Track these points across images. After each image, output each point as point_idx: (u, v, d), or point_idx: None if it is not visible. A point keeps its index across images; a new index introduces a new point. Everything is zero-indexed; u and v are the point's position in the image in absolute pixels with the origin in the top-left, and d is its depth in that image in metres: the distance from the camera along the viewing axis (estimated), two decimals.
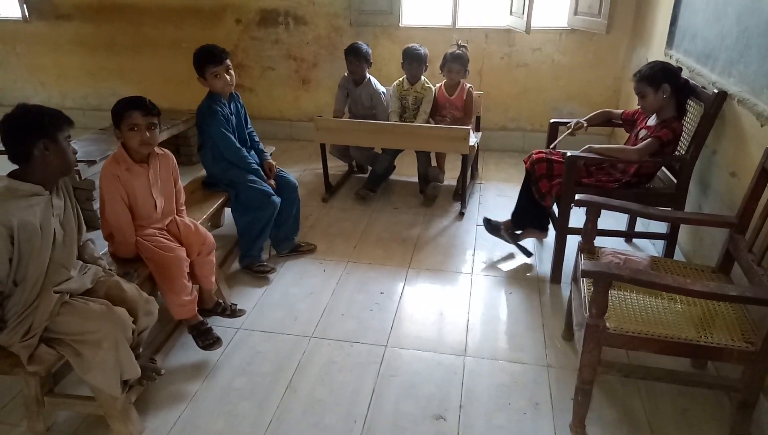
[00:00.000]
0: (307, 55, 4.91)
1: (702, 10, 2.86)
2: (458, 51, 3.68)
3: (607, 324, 1.79)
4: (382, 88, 3.90)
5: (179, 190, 2.47)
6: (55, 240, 1.77)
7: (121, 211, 2.22)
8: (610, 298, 1.78)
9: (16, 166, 1.77)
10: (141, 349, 2.08)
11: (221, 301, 2.60)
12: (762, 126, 2.09)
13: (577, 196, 2.20)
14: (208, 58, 2.76)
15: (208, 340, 2.35)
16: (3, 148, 1.72)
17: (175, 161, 2.45)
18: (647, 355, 2.14)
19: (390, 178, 4.15)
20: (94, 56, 5.27)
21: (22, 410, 2.04)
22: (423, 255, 3.19)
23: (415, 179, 3.99)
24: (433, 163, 3.97)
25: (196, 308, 2.37)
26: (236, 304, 2.65)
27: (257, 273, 2.94)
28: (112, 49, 5.20)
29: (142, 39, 5.10)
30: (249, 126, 3.11)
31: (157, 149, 2.35)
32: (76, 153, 1.83)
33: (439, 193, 3.97)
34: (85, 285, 1.88)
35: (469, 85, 3.79)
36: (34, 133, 1.69)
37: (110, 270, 2.06)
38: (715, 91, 2.42)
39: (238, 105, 3.00)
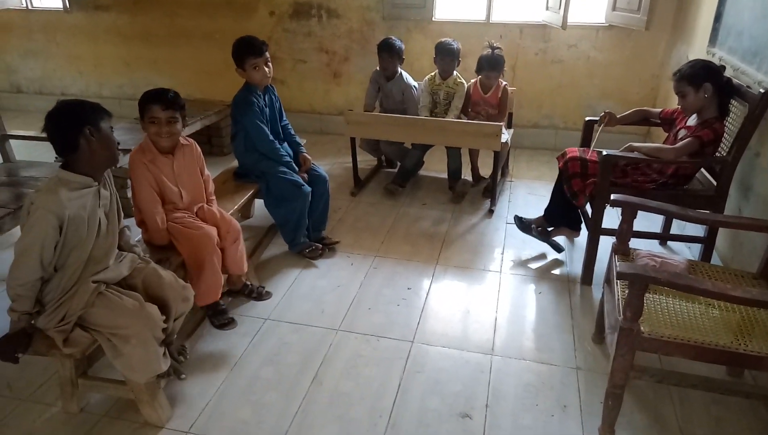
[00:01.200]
0: (339, 48, 4.91)
1: (749, 6, 2.76)
2: (494, 55, 3.59)
3: (642, 328, 1.74)
4: (413, 83, 3.88)
5: (207, 180, 2.51)
6: (100, 230, 1.81)
7: (150, 198, 2.26)
8: (644, 301, 1.74)
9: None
10: (175, 336, 2.11)
11: (249, 283, 2.63)
12: None
13: (612, 196, 2.15)
14: (248, 50, 2.78)
15: (223, 319, 2.41)
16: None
17: (199, 150, 2.48)
18: (680, 360, 2.07)
19: (419, 174, 4.13)
20: (130, 46, 5.36)
21: (56, 391, 2.11)
22: (451, 252, 3.17)
23: (444, 175, 3.96)
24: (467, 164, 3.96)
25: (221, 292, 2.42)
26: (263, 287, 2.68)
27: (310, 258, 3.03)
28: (148, 39, 5.29)
29: (177, 30, 5.17)
30: (284, 119, 3.13)
31: (181, 139, 2.37)
32: (119, 144, 1.86)
33: (469, 191, 3.93)
34: (122, 273, 1.91)
35: (504, 83, 3.74)
36: (78, 121, 1.72)
37: (145, 257, 2.09)
38: (762, 90, 2.33)
39: (273, 97, 3.02)
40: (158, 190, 2.29)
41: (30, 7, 5.52)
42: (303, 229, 2.99)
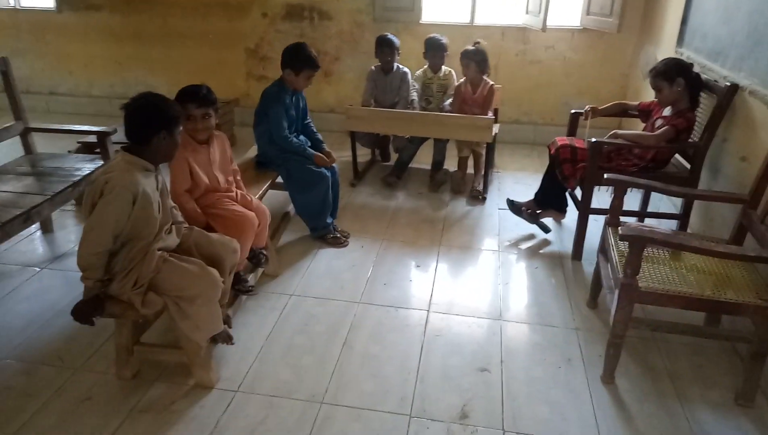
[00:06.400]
0: (330, 48, 5.13)
1: (713, 11, 3.13)
2: (472, 48, 3.85)
3: (639, 283, 2.04)
4: (407, 70, 4.14)
5: (235, 168, 2.73)
6: (159, 208, 2.00)
7: (182, 188, 2.44)
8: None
9: None
10: (227, 298, 2.30)
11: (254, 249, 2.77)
12: None
13: (606, 175, 2.45)
14: (311, 63, 3.08)
15: (246, 287, 2.63)
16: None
17: (228, 142, 2.68)
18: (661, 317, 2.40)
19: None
20: (122, 46, 5.45)
21: (106, 361, 2.27)
22: (451, 234, 3.43)
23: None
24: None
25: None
26: (262, 251, 2.81)
27: (332, 244, 3.22)
28: (140, 39, 5.39)
29: (170, 30, 5.29)
30: (308, 118, 3.38)
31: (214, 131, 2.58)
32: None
33: (447, 180, 4.18)
34: (176, 240, 2.11)
35: (491, 83, 4.01)
36: (159, 123, 1.93)
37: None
38: (728, 84, 2.69)
39: (300, 98, 3.28)
40: (198, 178, 2.47)
41: (18, 7, 5.54)
42: (327, 213, 3.21)
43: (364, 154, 4.58)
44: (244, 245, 2.42)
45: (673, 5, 3.83)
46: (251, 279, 2.71)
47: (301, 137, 3.25)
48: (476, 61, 3.83)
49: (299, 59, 3.06)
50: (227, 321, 2.36)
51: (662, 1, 4.12)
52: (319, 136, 3.41)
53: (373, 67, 4.19)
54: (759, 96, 2.49)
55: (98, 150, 3.24)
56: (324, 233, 3.23)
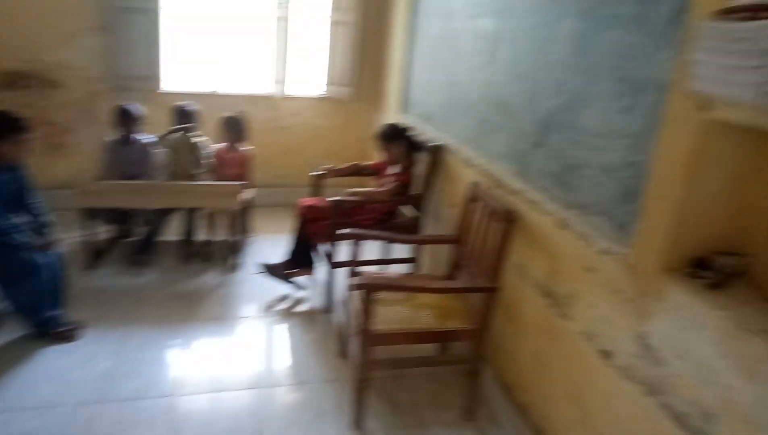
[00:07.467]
0: (62, 119, 4.64)
1: (423, 85, 3.69)
2: (230, 117, 3.95)
3: (374, 327, 2.17)
4: (152, 138, 3.93)
5: None
6: None
7: None
8: (375, 309, 2.17)
9: None
10: None
11: None
12: (466, 166, 2.80)
13: (338, 231, 2.61)
14: (7, 125, 2.63)
15: None
16: None
17: None
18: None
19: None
20: None
21: None
22: (203, 308, 3.25)
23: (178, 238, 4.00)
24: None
25: None
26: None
27: (58, 340, 2.77)
28: None
29: None
30: (32, 197, 2.92)
31: None
32: None
33: (200, 249, 4.00)
34: None
35: (248, 148, 4.06)
36: None
37: None
38: (433, 144, 3.14)
39: (14, 175, 2.80)
40: None
41: None
42: (50, 303, 2.77)
43: (106, 231, 4.14)
44: None
45: (395, 80, 4.40)
46: None
47: (23, 219, 2.80)
48: (240, 129, 4.00)
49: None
50: None
51: (385, 76, 4.70)
52: (45, 219, 2.97)
53: (111, 138, 3.88)
54: (457, 153, 2.95)
55: None
56: (46, 329, 2.77)
